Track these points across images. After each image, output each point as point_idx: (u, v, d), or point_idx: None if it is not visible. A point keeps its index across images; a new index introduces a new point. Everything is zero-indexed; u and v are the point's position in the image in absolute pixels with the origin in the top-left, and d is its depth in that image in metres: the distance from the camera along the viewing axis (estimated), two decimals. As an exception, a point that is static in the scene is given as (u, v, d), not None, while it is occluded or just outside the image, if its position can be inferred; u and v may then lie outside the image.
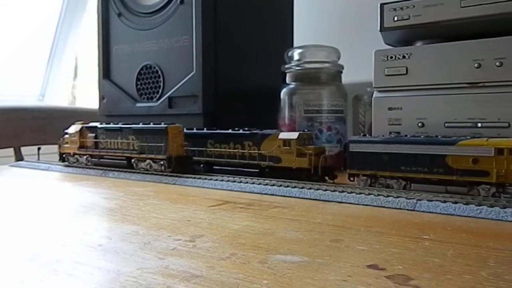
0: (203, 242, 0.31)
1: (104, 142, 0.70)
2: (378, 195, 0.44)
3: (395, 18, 0.58)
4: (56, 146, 0.81)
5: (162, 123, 0.64)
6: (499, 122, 0.52)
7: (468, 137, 0.46)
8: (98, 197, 0.52)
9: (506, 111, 0.51)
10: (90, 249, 0.31)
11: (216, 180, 0.56)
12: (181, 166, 0.62)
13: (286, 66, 0.75)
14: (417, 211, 0.41)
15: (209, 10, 0.81)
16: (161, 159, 0.62)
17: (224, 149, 0.64)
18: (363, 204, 0.44)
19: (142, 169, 0.65)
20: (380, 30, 0.59)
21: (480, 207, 0.39)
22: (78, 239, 0.33)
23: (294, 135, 0.57)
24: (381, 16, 0.59)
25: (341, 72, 0.75)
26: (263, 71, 0.88)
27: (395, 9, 0.58)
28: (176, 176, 0.60)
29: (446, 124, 0.55)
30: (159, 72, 0.86)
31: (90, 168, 0.71)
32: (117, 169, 0.67)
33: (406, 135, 0.53)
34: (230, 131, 0.64)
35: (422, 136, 0.50)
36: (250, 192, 0.51)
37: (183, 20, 0.82)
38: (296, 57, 0.75)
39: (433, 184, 0.47)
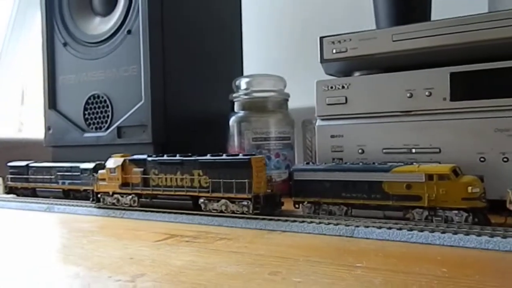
0: (143, 281, 0.31)
1: (157, 178, 0.58)
2: (320, 223, 0.46)
3: (334, 51, 0.61)
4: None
5: (240, 154, 0.54)
6: (431, 147, 0.55)
7: (402, 164, 0.49)
8: (39, 235, 0.50)
9: (437, 137, 0.55)
10: (26, 295, 0.30)
11: (164, 212, 0.56)
12: (271, 206, 0.52)
13: (234, 95, 0.77)
14: (355, 237, 0.43)
15: (157, 39, 0.82)
16: (244, 199, 0.51)
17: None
18: (305, 232, 0.45)
19: (214, 211, 0.54)
20: (321, 62, 0.62)
21: (412, 232, 0.41)
22: (13, 285, 0.32)
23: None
24: (320, 49, 0.62)
25: (287, 100, 0.78)
26: (213, 99, 0.89)
27: (333, 42, 0.61)
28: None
29: (384, 150, 0.58)
30: (108, 102, 0.85)
31: (35, 203, 0.69)
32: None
33: (346, 163, 0.55)
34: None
35: (361, 164, 0.52)
36: (198, 224, 0.52)
37: (131, 50, 0.82)
38: (243, 86, 0.77)
39: (371, 209, 0.49)
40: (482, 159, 0.53)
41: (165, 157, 0.59)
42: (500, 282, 0.29)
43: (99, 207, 0.63)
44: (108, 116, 0.85)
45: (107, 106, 0.85)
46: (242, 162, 0.52)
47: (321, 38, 0.62)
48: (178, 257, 0.38)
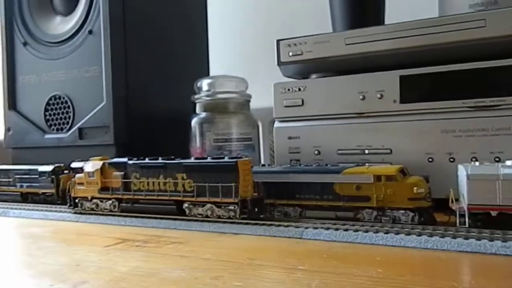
0: (84, 289, 0.32)
1: (139, 182, 0.56)
2: (270, 225, 0.47)
3: (290, 53, 0.62)
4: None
5: (225, 157, 0.52)
6: (383, 148, 0.57)
7: (353, 165, 0.51)
8: (-9, 242, 0.50)
9: (388, 138, 0.57)
10: (-37, 306, 0.30)
11: (120, 216, 0.56)
12: (259, 210, 0.50)
13: (196, 96, 0.77)
14: (304, 239, 0.44)
15: (119, 39, 0.81)
16: (230, 203, 0.50)
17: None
18: (256, 235, 0.46)
19: (199, 216, 0.52)
20: (278, 64, 0.63)
21: (357, 233, 0.42)
22: (-48, 295, 0.32)
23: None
24: (277, 51, 0.63)
25: (249, 101, 0.78)
26: (179, 100, 0.89)
27: (289, 45, 0.62)
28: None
29: (338, 152, 0.59)
30: (69, 103, 0.84)
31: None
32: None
33: (300, 164, 0.56)
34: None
35: (314, 165, 0.53)
36: (153, 227, 0.52)
37: (92, 50, 0.81)
38: (205, 87, 0.77)
39: (324, 210, 0.50)
40: (430, 159, 0.54)
41: (146, 160, 0.56)
42: (430, 282, 0.31)
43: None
44: (69, 117, 0.84)
45: (69, 107, 0.84)
46: (228, 165, 0.50)
47: (278, 41, 0.63)
48: (125, 262, 0.38)
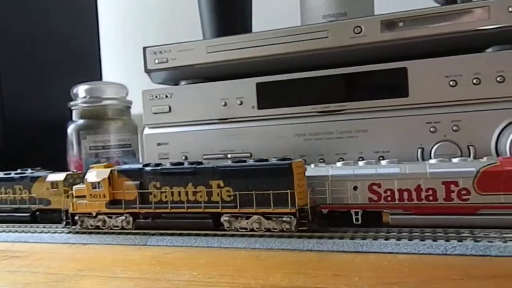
0: None
1: (159, 193, 0.47)
2: (120, 233, 0.47)
3: (156, 61, 0.62)
4: None
5: (273, 159, 0.44)
6: (244, 152, 0.59)
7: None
8: None
9: (248, 143, 0.59)
10: None
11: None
12: (317, 221, 0.44)
13: (72, 103, 0.76)
14: (148, 245, 0.45)
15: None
16: (285, 214, 0.42)
17: (-4, 194, 0.61)
18: (104, 244, 0.46)
19: (242, 230, 0.44)
20: (145, 72, 0.63)
21: (197, 237, 0.44)
22: None
23: (61, 176, 0.58)
24: (144, 59, 0.63)
25: (130, 107, 0.78)
26: (60, 106, 0.86)
27: (155, 53, 0.62)
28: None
29: (204, 156, 0.61)
30: None
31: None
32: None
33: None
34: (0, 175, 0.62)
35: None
36: (4, 242, 0.51)
37: (-39, 55, 0.77)
38: (82, 94, 0.75)
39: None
40: (285, 162, 0.57)
41: (168, 166, 0.48)
42: (231, 281, 0.33)
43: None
44: None
45: None
46: (280, 168, 0.43)
47: (144, 48, 0.63)
48: None
